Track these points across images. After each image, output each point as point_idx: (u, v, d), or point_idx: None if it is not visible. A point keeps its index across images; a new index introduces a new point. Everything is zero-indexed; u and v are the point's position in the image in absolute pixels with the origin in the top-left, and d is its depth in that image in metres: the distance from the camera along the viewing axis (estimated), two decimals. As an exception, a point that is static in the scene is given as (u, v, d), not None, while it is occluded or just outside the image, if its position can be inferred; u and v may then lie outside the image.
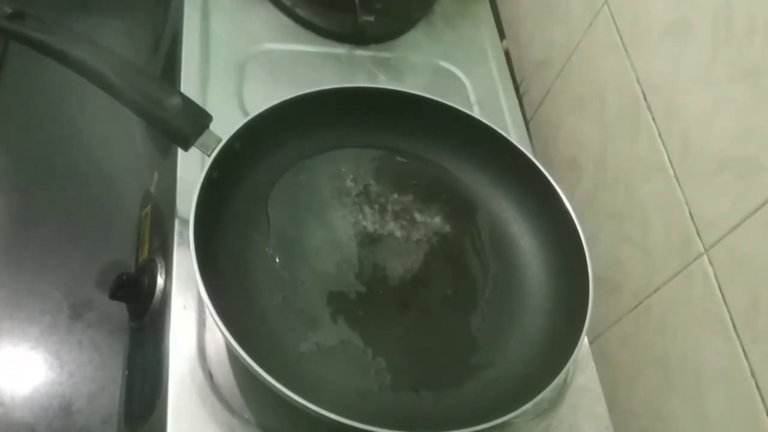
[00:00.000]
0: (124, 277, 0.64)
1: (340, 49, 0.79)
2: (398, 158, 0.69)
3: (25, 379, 0.97)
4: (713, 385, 0.56)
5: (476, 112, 0.77)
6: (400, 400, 0.55)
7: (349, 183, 0.66)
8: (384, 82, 0.77)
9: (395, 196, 0.66)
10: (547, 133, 0.84)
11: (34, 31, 0.52)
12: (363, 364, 0.56)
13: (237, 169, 0.60)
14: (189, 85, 0.69)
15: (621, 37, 0.69)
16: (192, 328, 0.56)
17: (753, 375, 0.52)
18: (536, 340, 0.60)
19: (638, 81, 0.66)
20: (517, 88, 0.85)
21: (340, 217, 0.64)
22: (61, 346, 1.00)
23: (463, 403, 0.56)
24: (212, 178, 0.56)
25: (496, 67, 0.83)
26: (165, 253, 0.61)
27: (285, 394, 0.47)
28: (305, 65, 0.76)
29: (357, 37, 0.79)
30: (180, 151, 0.59)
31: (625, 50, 0.68)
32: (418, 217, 0.66)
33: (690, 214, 0.59)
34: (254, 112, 0.61)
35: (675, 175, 0.61)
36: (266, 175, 0.63)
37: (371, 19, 0.76)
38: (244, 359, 0.48)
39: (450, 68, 0.80)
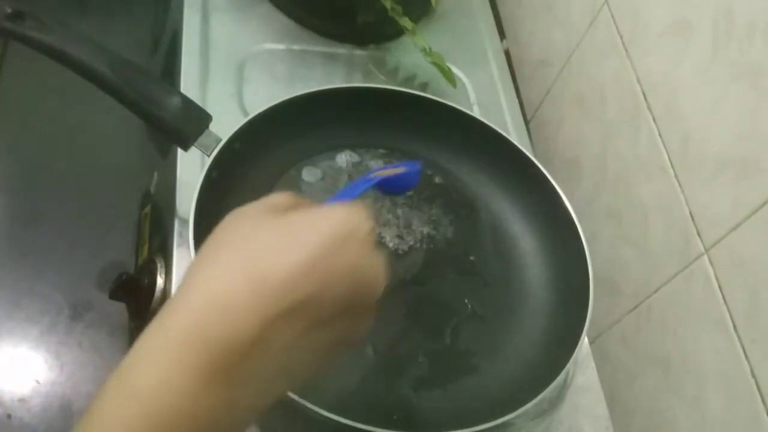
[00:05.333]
0: (124, 277, 0.64)
1: (340, 49, 0.79)
2: (398, 158, 0.69)
3: (25, 379, 0.97)
4: (713, 385, 0.56)
5: (476, 112, 0.77)
6: (400, 400, 0.55)
7: (348, 183, 0.66)
8: (383, 82, 0.77)
9: (395, 196, 0.66)
10: (547, 133, 0.84)
11: (34, 31, 0.52)
12: (363, 364, 0.56)
13: (237, 169, 0.60)
14: (189, 85, 0.69)
15: (621, 37, 0.69)
16: (192, 328, 0.56)
17: (753, 375, 0.52)
18: (536, 340, 0.60)
19: (638, 81, 0.66)
20: (517, 88, 0.85)
21: (340, 217, 0.64)
22: (61, 346, 1.00)
23: (464, 403, 0.56)
24: (212, 178, 0.56)
25: (496, 67, 0.83)
26: (165, 253, 0.61)
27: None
28: (305, 65, 0.76)
29: (357, 38, 0.79)
30: (180, 151, 0.59)
31: (625, 50, 0.68)
32: (418, 217, 0.66)
33: (690, 214, 0.59)
34: (254, 112, 0.61)
35: (675, 175, 0.61)
36: (266, 175, 0.63)
37: (371, 19, 0.76)
38: (244, 359, 0.48)
39: (450, 68, 0.80)
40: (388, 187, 0.51)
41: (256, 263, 0.32)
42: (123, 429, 0.29)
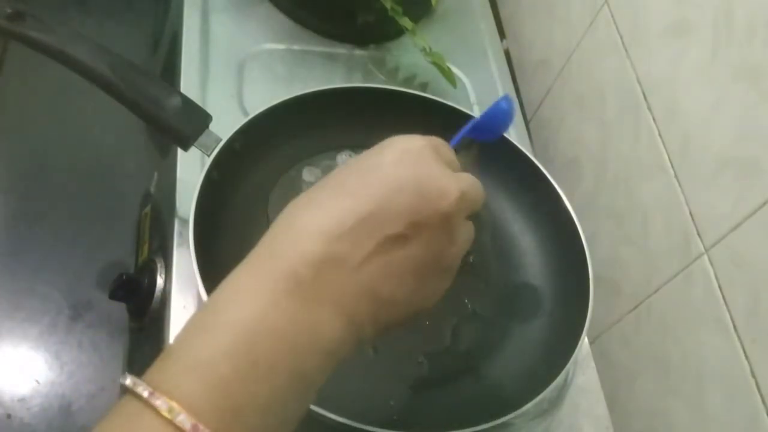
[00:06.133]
0: (124, 277, 0.64)
1: (339, 49, 0.79)
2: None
3: (25, 379, 0.97)
4: (713, 385, 0.56)
5: (476, 112, 0.77)
6: (401, 400, 0.55)
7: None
8: (383, 82, 0.77)
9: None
10: (547, 133, 0.84)
11: (34, 31, 0.52)
12: (363, 363, 0.56)
13: (237, 169, 0.60)
14: (189, 85, 0.69)
15: (621, 37, 0.69)
16: (192, 328, 0.56)
17: (753, 375, 0.52)
18: (536, 340, 0.60)
19: (638, 81, 0.66)
20: (517, 88, 0.85)
21: (340, 217, 0.64)
22: (61, 346, 1.00)
23: (463, 403, 0.56)
24: (212, 178, 0.56)
25: (496, 67, 0.83)
26: (165, 253, 0.61)
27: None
28: (305, 65, 0.76)
29: (357, 38, 0.79)
30: (180, 151, 0.59)
31: (625, 50, 0.68)
32: (418, 217, 0.66)
33: (690, 214, 0.59)
34: (254, 112, 0.61)
35: (675, 175, 0.61)
36: (266, 175, 0.63)
37: (371, 19, 0.76)
38: (244, 359, 0.48)
39: (450, 68, 0.80)
40: (483, 133, 0.48)
41: (316, 192, 0.35)
42: (209, 342, 0.30)
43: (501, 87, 0.81)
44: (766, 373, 0.51)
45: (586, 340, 0.65)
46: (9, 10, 0.52)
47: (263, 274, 0.32)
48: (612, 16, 0.70)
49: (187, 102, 0.57)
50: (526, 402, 0.52)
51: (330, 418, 0.47)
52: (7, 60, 1.18)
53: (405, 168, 0.35)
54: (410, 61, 0.79)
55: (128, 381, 0.30)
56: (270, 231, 0.34)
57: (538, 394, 0.52)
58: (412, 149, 0.36)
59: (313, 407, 0.47)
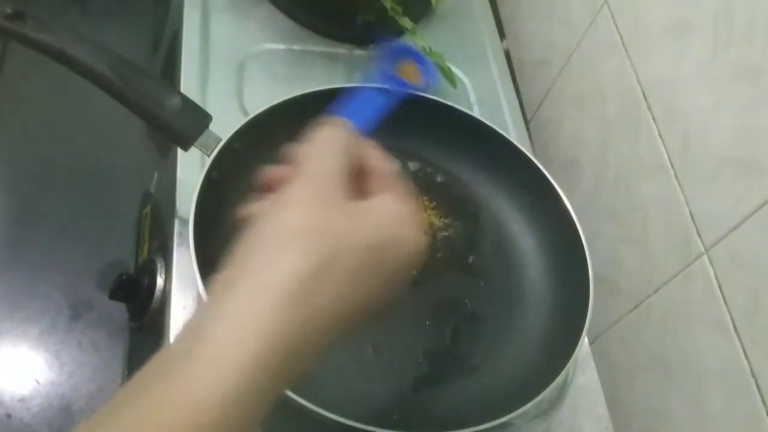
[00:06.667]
0: (124, 277, 0.64)
1: (339, 49, 0.79)
2: (398, 158, 0.69)
3: (25, 379, 0.97)
4: (713, 385, 0.56)
5: (476, 112, 0.77)
6: (400, 400, 0.55)
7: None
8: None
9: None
10: (547, 133, 0.84)
11: (34, 31, 0.52)
12: (363, 363, 0.56)
13: (237, 169, 0.60)
14: (189, 85, 0.69)
15: (621, 37, 0.69)
16: (192, 328, 0.56)
17: (753, 375, 0.52)
18: (536, 340, 0.60)
19: (638, 81, 0.66)
20: (517, 89, 0.85)
21: (340, 217, 0.64)
22: (61, 346, 1.00)
23: (464, 403, 0.56)
24: (212, 178, 0.56)
25: (496, 67, 0.83)
26: (165, 253, 0.61)
27: (284, 394, 0.47)
28: (305, 65, 0.76)
29: (357, 38, 0.79)
30: (180, 151, 0.59)
31: (625, 50, 0.68)
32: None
33: (690, 214, 0.59)
34: (254, 112, 0.61)
35: (675, 175, 0.61)
36: (266, 175, 0.63)
37: (371, 19, 0.76)
38: (244, 359, 0.48)
39: (450, 68, 0.80)
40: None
41: (340, 258, 0.35)
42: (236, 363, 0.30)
43: (501, 87, 0.81)
44: (766, 373, 0.51)
45: (586, 340, 0.65)
46: (9, 10, 0.52)
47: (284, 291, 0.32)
48: (612, 16, 0.70)
49: (187, 102, 0.57)
50: (526, 402, 0.52)
51: (330, 418, 0.47)
52: (7, 60, 1.18)
53: (409, 268, 0.41)
54: (410, 61, 0.79)
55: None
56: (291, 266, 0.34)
57: (538, 394, 0.52)
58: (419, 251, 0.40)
59: (313, 407, 0.47)
